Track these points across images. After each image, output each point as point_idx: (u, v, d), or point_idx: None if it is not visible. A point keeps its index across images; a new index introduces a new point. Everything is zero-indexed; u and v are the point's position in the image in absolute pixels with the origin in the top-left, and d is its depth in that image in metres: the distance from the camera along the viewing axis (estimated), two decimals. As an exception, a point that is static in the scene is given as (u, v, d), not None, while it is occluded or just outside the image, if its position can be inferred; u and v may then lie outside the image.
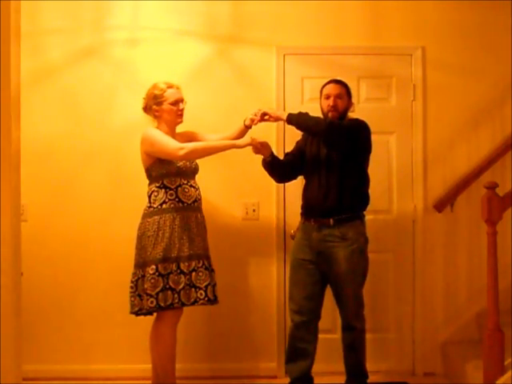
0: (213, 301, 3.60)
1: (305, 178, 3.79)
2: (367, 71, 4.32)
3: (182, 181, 3.59)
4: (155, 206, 3.56)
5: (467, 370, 3.78)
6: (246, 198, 4.28)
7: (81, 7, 4.24)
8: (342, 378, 3.74)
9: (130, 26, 4.27)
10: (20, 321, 2.76)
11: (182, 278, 3.51)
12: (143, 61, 4.26)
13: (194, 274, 3.54)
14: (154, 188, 3.59)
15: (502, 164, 4.25)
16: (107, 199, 4.25)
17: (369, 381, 3.72)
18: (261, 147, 3.62)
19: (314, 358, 3.71)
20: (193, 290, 3.53)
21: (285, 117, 3.59)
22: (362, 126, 3.64)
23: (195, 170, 3.69)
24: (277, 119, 3.67)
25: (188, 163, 3.62)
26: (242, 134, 3.74)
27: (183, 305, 3.52)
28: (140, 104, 3.69)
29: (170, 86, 3.63)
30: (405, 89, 4.32)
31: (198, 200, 3.64)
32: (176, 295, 3.49)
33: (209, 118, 4.18)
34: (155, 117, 3.65)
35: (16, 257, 2.71)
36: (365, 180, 3.71)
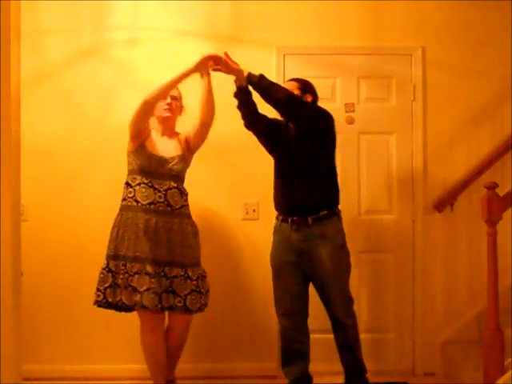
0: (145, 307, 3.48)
1: (276, 177, 3.67)
2: (367, 71, 4.32)
3: (144, 180, 3.54)
4: (121, 201, 3.60)
5: (467, 370, 3.78)
6: (246, 198, 4.27)
7: (81, 7, 4.25)
8: (342, 378, 3.73)
9: (130, 25, 4.27)
10: (20, 321, 2.76)
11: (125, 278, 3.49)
12: (143, 61, 4.26)
13: (136, 276, 3.47)
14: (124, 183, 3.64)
15: (502, 164, 4.25)
16: (107, 199, 4.23)
17: (369, 381, 3.72)
18: (225, 61, 3.43)
19: (309, 356, 3.68)
20: (131, 291, 3.47)
21: (245, 73, 3.44)
22: (322, 110, 3.58)
23: (170, 172, 3.55)
24: (232, 71, 3.47)
25: (155, 164, 3.53)
26: (208, 89, 3.64)
27: (124, 305, 3.50)
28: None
29: None
30: (405, 89, 4.32)
31: (156, 203, 3.50)
32: (119, 293, 3.50)
33: (209, 117, 4.17)
34: None
35: (16, 257, 2.71)
36: (335, 175, 3.65)
